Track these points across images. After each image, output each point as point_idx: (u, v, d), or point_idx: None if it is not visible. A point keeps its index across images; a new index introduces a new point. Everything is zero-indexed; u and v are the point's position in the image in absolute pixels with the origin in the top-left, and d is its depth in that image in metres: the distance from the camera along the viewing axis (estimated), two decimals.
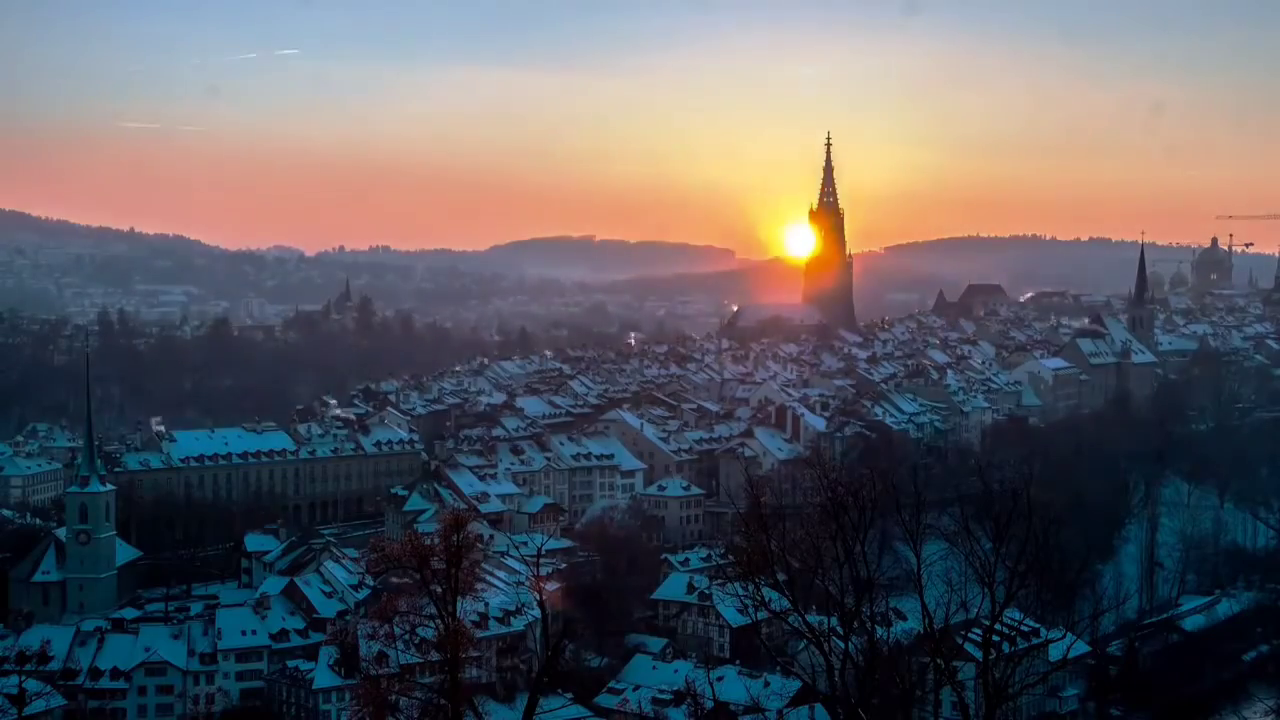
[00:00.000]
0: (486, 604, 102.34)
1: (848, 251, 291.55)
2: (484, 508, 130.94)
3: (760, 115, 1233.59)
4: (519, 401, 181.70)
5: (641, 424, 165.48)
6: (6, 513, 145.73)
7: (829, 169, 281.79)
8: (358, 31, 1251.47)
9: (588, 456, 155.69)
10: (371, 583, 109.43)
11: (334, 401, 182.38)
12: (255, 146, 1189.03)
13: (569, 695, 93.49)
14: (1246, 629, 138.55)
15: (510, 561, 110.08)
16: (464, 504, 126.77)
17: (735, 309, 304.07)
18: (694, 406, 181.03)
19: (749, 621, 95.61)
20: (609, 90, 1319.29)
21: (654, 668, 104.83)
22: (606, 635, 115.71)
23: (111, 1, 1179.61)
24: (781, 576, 38.75)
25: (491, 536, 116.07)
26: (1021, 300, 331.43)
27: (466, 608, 48.36)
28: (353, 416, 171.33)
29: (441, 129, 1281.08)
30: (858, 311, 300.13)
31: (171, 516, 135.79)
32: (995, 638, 37.08)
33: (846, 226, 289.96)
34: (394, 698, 42.72)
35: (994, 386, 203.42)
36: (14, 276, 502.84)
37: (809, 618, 38.59)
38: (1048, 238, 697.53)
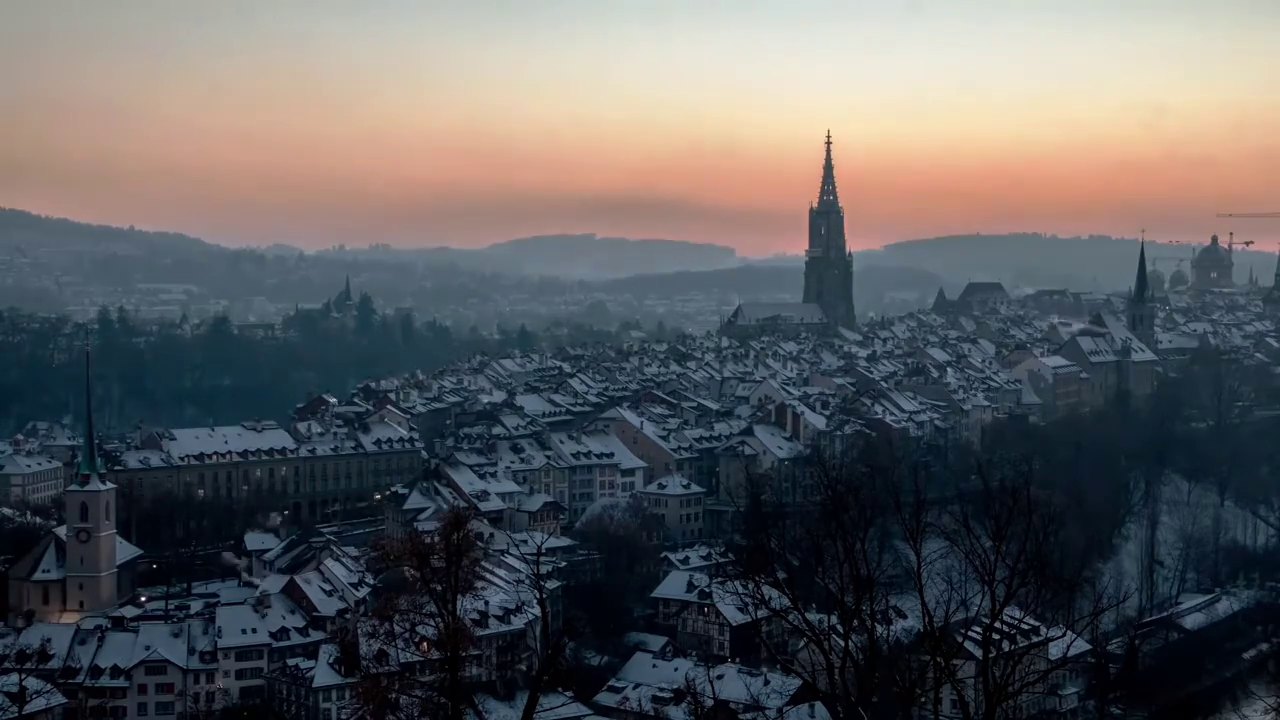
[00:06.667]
0: (486, 602, 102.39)
1: (847, 250, 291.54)
2: (484, 506, 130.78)
3: (761, 114, 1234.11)
4: (519, 400, 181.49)
5: (641, 422, 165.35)
6: (6, 511, 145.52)
7: (829, 168, 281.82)
8: (356, 30, 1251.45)
9: (588, 455, 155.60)
10: (372, 581, 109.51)
11: (334, 400, 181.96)
12: (256, 144, 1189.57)
13: (569, 693, 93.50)
14: (1246, 627, 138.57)
15: (510, 560, 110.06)
16: (464, 502, 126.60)
17: (735, 307, 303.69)
18: (694, 405, 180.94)
19: (749, 620, 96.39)
20: (609, 89, 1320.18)
21: (654, 666, 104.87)
22: (606, 633, 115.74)
23: (111, 1, 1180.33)
24: (782, 574, 38.74)
25: (491, 535, 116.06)
26: (1021, 298, 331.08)
27: (466, 606, 48.39)
28: (353, 415, 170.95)
29: (442, 124, 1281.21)
30: (858, 309, 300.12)
31: (172, 515, 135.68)
32: (995, 636, 37.03)
33: (846, 225, 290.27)
34: (394, 696, 42.75)
35: (994, 385, 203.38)
36: (14, 275, 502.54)
37: (809, 616, 38.59)
38: (1048, 235, 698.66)
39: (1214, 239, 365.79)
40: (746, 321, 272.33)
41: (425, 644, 47.35)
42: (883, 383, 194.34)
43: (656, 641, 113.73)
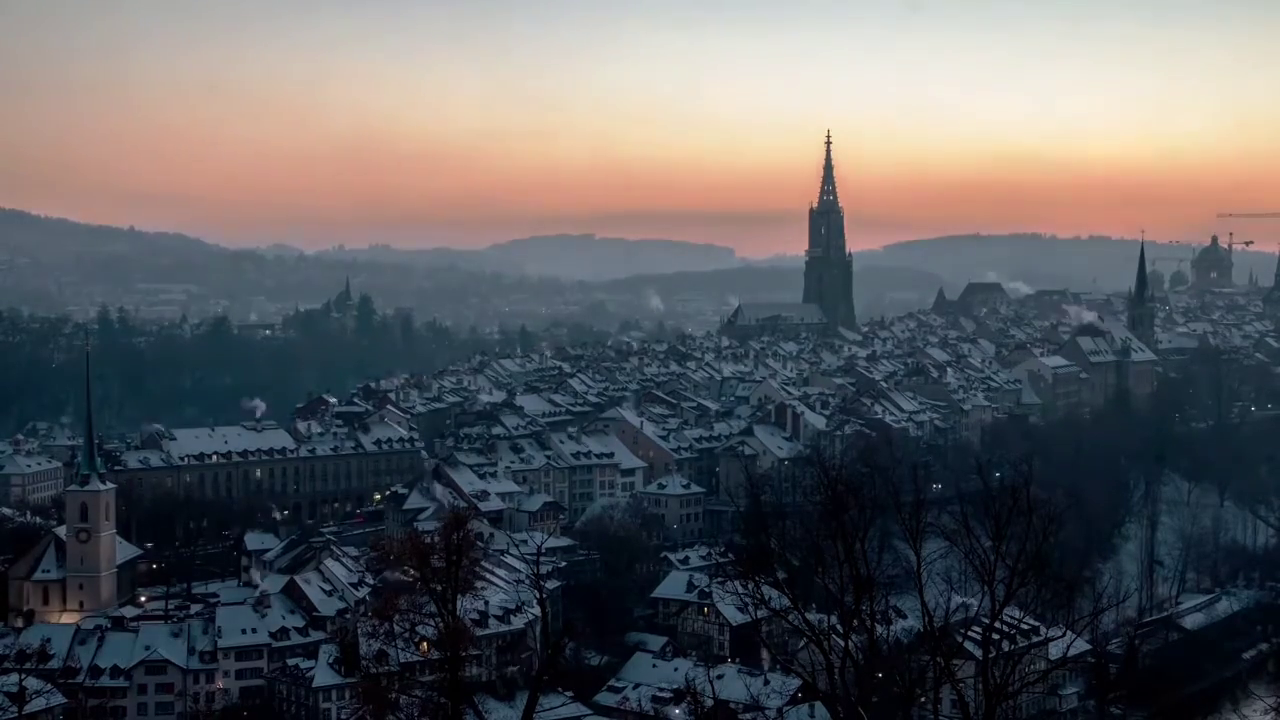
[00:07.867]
0: (486, 602, 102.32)
1: (847, 250, 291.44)
2: (484, 506, 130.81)
3: (761, 114, 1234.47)
4: (519, 400, 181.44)
5: (641, 422, 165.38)
6: (6, 511, 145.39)
7: (829, 168, 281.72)
8: (357, 31, 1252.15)
9: (588, 455, 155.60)
10: (371, 581, 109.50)
11: (334, 400, 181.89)
12: (257, 144, 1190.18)
13: (569, 693, 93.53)
14: (1246, 627, 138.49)
15: (510, 560, 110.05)
16: (464, 502, 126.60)
17: (735, 307, 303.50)
18: (694, 405, 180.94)
19: (749, 620, 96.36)
20: (609, 88, 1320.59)
21: (654, 666, 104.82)
22: (606, 633, 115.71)
23: (110, 2, 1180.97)
24: (782, 574, 38.71)
25: (491, 535, 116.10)
26: (1021, 298, 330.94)
27: (466, 606, 48.37)
28: (353, 415, 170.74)
29: (442, 124, 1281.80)
30: (857, 310, 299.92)
31: (171, 515, 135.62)
32: (995, 636, 37.03)
33: (846, 225, 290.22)
34: (394, 696, 42.77)
35: (994, 385, 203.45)
36: (14, 275, 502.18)
37: (809, 616, 38.57)
38: (1048, 235, 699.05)
39: (1214, 239, 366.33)
40: (746, 321, 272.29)
41: (425, 644, 47.36)
42: (883, 383, 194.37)
43: (656, 641, 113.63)
